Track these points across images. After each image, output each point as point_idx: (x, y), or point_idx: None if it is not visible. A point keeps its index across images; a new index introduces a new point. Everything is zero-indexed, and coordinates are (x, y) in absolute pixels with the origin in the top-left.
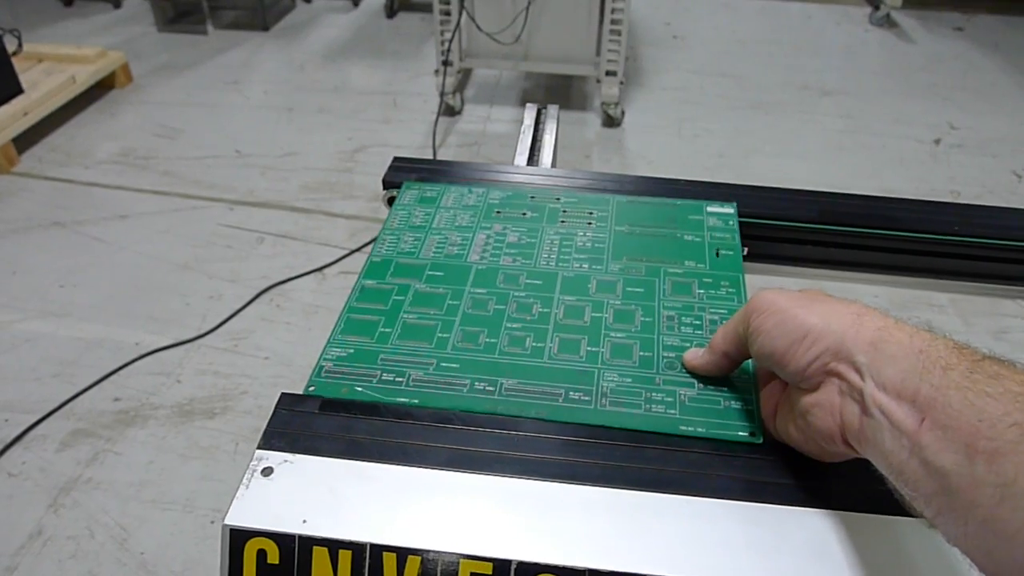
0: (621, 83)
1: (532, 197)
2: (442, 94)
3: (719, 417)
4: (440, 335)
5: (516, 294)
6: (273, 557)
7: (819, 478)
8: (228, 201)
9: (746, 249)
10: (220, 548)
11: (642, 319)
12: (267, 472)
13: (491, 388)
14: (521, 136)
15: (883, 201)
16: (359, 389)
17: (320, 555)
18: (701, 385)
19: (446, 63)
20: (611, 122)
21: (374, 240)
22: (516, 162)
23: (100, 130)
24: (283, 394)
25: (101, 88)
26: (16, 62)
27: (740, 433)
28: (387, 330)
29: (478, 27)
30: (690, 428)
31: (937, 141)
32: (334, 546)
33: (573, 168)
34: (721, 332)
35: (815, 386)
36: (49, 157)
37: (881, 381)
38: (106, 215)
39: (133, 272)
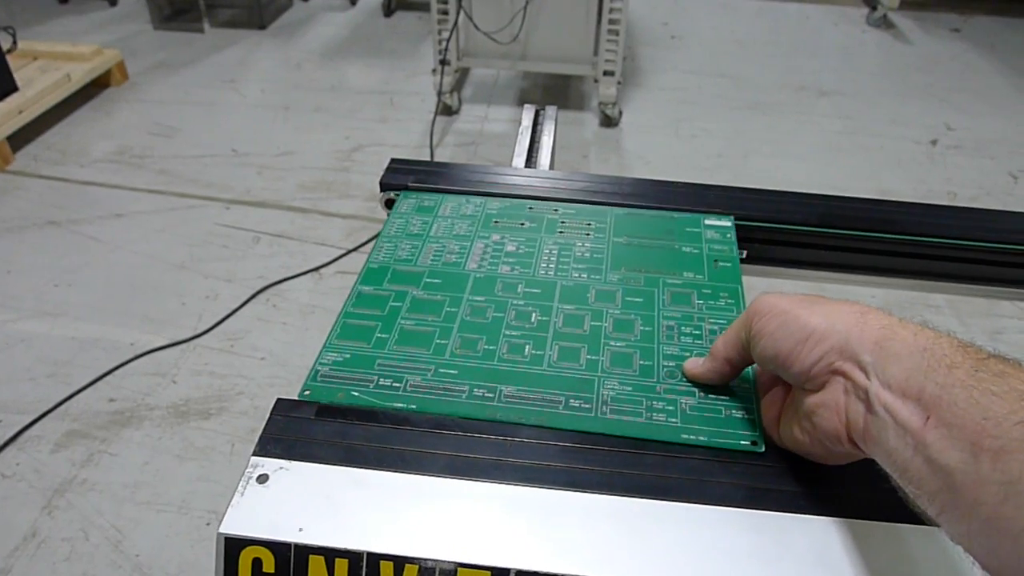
0: (619, 83)
1: (530, 208)
2: (439, 93)
3: (720, 426)
4: (438, 341)
5: (515, 302)
6: (269, 566)
7: (822, 485)
8: (224, 200)
9: (745, 252)
10: (215, 557)
11: (642, 328)
12: (263, 479)
13: (490, 395)
14: (519, 137)
15: (882, 204)
16: (355, 394)
17: (316, 564)
18: (702, 394)
19: (443, 62)
20: (609, 122)
21: (371, 240)
22: (514, 163)
23: (96, 128)
24: (279, 400)
25: (96, 86)
26: (11, 60)
27: (742, 442)
28: (384, 336)
29: (476, 26)
30: (691, 437)
31: (934, 142)
32: (330, 555)
33: (571, 169)
34: (722, 339)
35: (820, 386)
36: (44, 155)
37: (886, 380)
38: (101, 214)
39: (129, 272)
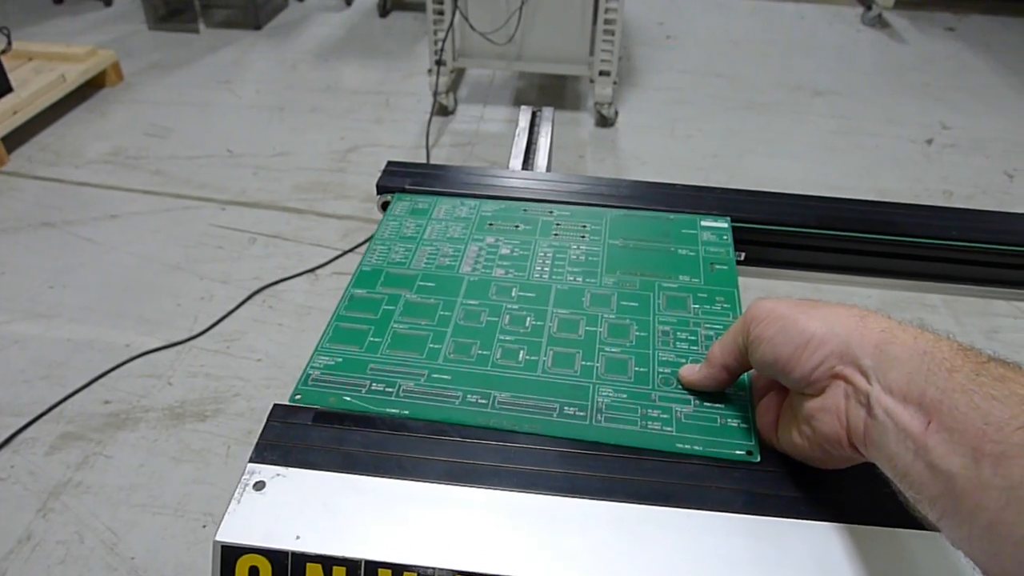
0: (615, 83)
1: (525, 210)
2: (435, 94)
3: (716, 435)
4: (432, 346)
5: (509, 306)
6: (266, 574)
7: (821, 490)
8: (220, 201)
9: (743, 254)
10: (211, 565)
11: (637, 334)
12: (259, 486)
13: (484, 401)
14: (516, 139)
15: (879, 206)
16: (347, 399)
17: (314, 572)
18: (697, 402)
19: (439, 63)
20: (605, 122)
21: (367, 241)
22: (511, 165)
23: (90, 129)
24: (275, 405)
25: (91, 87)
26: (5, 60)
27: (737, 452)
28: (377, 340)
29: (471, 27)
30: (687, 446)
31: (929, 141)
32: (328, 563)
33: (568, 170)
34: (719, 345)
35: (820, 391)
36: (39, 156)
37: (887, 384)
38: (96, 215)
39: (124, 273)
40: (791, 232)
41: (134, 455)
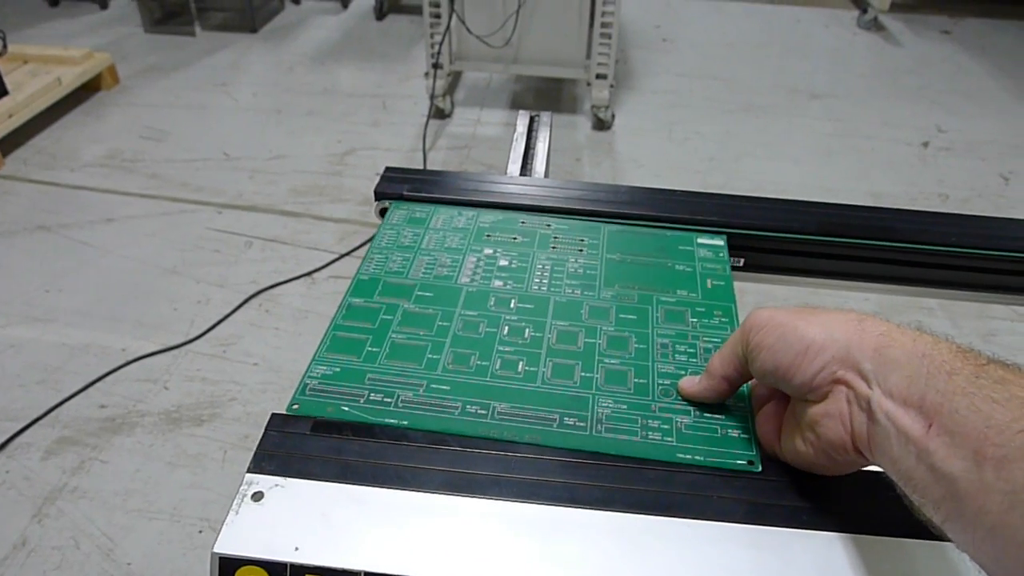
0: (611, 86)
1: (523, 222)
2: (432, 97)
3: (717, 445)
4: (430, 356)
5: (508, 317)
6: None
7: (822, 499)
8: (216, 204)
9: (741, 260)
10: None
11: (636, 346)
12: (257, 497)
13: (483, 411)
14: (514, 144)
15: (878, 212)
16: (345, 409)
17: None
18: (697, 412)
19: (436, 66)
20: (601, 125)
21: (364, 244)
22: (509, 171)
23: (86, 132)
24: (273, 415)
25: (87, 90)
26: (1, 63)
27: (738, 462)
28: (375, 349)
29: (468, 30)
30: (687, 456)
31: (925, 144)
32: (327, 574)
33: (565, 173)
34: (718, 356)
35: (822, 397)
36: (34, 160)
37: (888, 388)
38: (92, 219)
39: (120, 277)
40: (790, 238)
41: (130, 460)
